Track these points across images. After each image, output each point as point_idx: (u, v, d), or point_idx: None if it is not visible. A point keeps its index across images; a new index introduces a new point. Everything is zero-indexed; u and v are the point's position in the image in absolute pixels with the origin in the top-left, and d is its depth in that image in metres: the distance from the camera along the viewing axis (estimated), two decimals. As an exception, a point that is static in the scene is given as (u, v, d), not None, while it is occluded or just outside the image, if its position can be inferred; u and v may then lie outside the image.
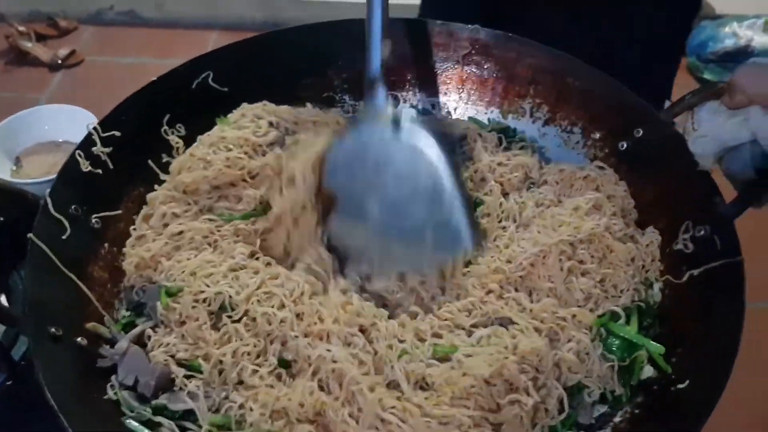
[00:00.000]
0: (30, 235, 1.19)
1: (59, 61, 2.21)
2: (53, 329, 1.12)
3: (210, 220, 1.34)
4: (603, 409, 1.17)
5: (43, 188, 1.49)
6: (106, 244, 1.34)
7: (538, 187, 1.43)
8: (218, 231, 1.33)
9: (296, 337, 1.14)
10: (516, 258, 1.24)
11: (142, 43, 2.88)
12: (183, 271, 1.24)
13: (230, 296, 1.18)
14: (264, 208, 1.35)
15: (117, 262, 1.34)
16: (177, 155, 1.48)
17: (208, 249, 1.29)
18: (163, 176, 1.45)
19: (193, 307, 1.18)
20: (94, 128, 1.38)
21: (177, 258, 1.27)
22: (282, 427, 1.07)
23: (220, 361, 1.14)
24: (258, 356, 1.15)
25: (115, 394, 1.13)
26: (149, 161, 1.46)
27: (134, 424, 1.10)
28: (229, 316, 1.18)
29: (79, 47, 2.26)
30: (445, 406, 1.06)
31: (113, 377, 1.16)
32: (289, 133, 1.45)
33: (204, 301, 1.19)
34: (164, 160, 1.48)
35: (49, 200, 1.25)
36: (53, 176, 1.36)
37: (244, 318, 1.18)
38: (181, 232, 1.32)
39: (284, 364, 1.15)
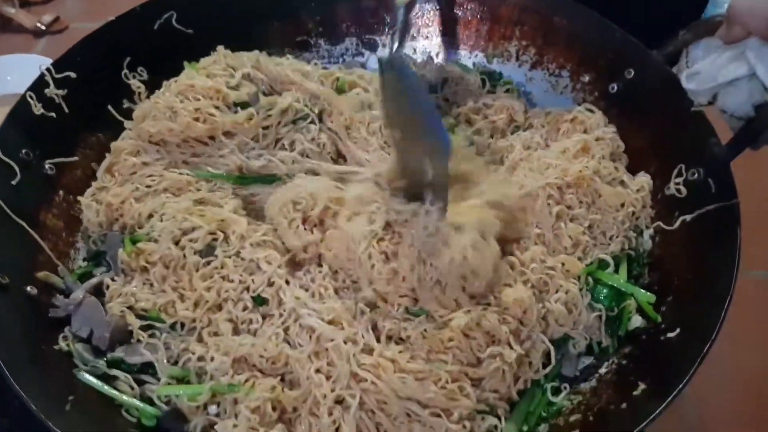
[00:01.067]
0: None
1: (43, 28, 2.11)
2: (-1, 277, 1.05)
3: (187, 174, 1.25)
4: (588, 360, 1.11)
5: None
6: (61, 192, 1.26)
7: (524, 131, 1.35)
8: (196, 183, 1.24)
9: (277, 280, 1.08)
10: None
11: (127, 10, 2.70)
12: (160, 213, 1.16)
13: (226, 235, 1.12)
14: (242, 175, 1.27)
15: (73, 210, 1.26)
16: (140, 101, 1.39)
17: (190, 196, 1.21)
18: (126, 123, 1.35)
19: (174, 247, 1.11)
20: (47, 69, 1.29)
21: (150, 203, 1.19)
22: (243, 382, 1.00)
23: (195, 305, 1.07)
24: (239, 300, 1.08)
25: (68, 345, 1.06)
26: (109, 106, 1.36)
27: (87, 377, 1.03)
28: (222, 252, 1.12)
29: (64, 13, 2.16)
30: (420, 360, 1.00)
31: (66, 328, 1.09)
32: (265, 93, 1.35)
33: (192, 240, 1.11)
34: (125, 105, 1.38)
35: (-6, 143, 1.16)
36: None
37: (233, 257, 1.11)
38: (151, 177, 1.24)
39: (260, 300, 1.08)
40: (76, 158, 1.30)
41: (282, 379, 1.02)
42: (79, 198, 1.26)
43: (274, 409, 0.98)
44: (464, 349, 1.02)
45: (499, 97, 1.40)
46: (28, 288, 1.09)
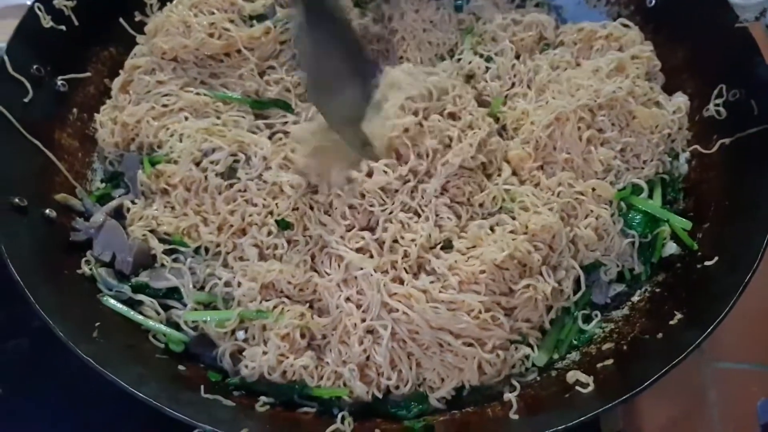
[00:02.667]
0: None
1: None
2: (16, 199, 1.01)
3: (204, 95, 1.19)
4: (620, 288, 1.09)
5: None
6: (74, 110, 1.21)
7: (554, 48, 1.29)
8: (214, 104, 1.19)
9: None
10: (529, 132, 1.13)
11: None
12: (179, 133, 1.12)
13: (247, 156, 1.08)
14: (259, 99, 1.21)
15: (88, 129, 1.22)
16: (152, 13, 1.32)
17: (210, 117, 1.16)
18: (138, 38, 1.29)
19: (195, 168, 1.08)
20: (55, -22, 1.21)
21: (167, 122, 1.15)
22: (271, 308, 0.98)
23: (219, 229, 1.05)
24: (263, 225, 1.05)
25: (91, 270, 1.04)
26: (120, 19, 1.30)
27: (113, 302, 1.01)
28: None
29: None
30: (452, 290, 0.97)
31: (88, 252, 1.06)
32: (282, 5, 1.26)
33: (213, 162, 1.08)
34: (137, 18, 1.31)
35: (6, 58, 1.11)
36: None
37: (256, 180, 1.07)
38: (167, 97, 1.18)
39: (284, 224, 1.04)
40: (88, 74, 1.24)
41: (310, 306, 1.00)
42: (95, 116, 1.22)
43: (302, 336, 0.97)
44: (497, 280, 0.99)
45: (528, 12, 1.33)
46: (47, 211, 1.06)
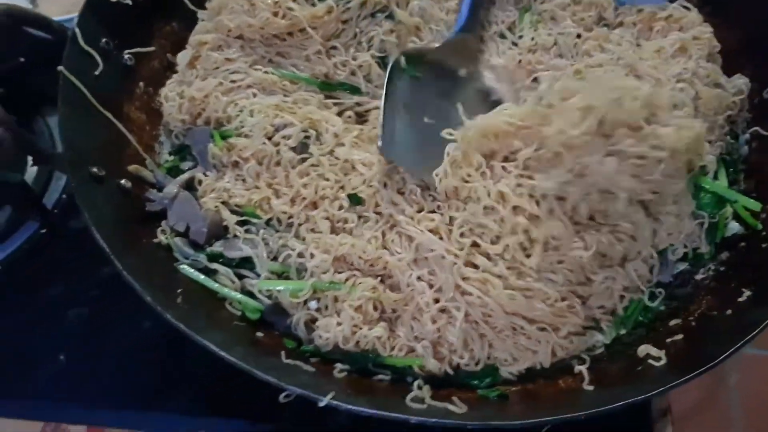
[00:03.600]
0: (60, 67, 1.08)
1: None
2: (95, 169, 1.04)
3: (272, 73, 1.21)
4: (682, 266, 1.09)
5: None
6: (141, 83, 1.23)
7: (613, 29, 1.29)
8: (282, 83, 1.20)
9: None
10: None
11: None
12: (249, 108, 1.14)
13: (318, 133, 1.10)
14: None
15: (154, 103, 1.24)
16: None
17: (277, 95, 1.18)
18: (199, 14, 1.30)
19: (268, 142, 1.10)
20: (118, -49, 1.23)
21: (236, 97, 1.17)
22: (344, 280, 1.01)
23: (292, 201, 1.07)
24: (335, 198, 1.07)
25: (167, 239, 1.06)
26: (182, -7, 1.31)
27: (189, 270, 1.04)
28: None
29: None
30: (529, 278, 0.97)
31: (163, 222, 1.09)
32: None
33: (285, 137, 1.10)
34: (198, -5, 1.33)
35: (78, 31, 1.12)
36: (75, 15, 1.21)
37: (327, 156, 1.10)
38: (236, 74, 1.20)
39: (356, 199, 1.06)
40: (153, 48, 1.26)
41: (381, 281, 1.02)
42: (160, 90, 1.24)
43: (375, 308, 0.99)
44: (575, 270, 1.00)
45: (588, -9, 1.33)
46: (122, 181, 1.09)
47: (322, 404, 0.84)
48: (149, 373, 1.19)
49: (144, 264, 0.98)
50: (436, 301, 0.98)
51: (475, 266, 0.98)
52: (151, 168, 1.15)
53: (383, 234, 1.04)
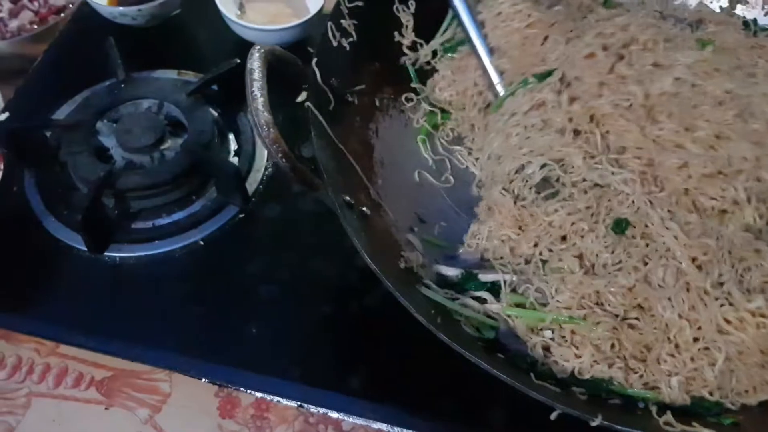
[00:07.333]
0: (308, 104, 1.19)
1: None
2: (347, 197, 1.14)
3: None
4: None
5: (265, 36, 1.56)
6: (357, 118, 1.35)
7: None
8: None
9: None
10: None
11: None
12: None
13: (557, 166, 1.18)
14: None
15: (366, 136, 1.36)
16: (405, 33, 1.48)
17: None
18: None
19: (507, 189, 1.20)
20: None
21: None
22: (583, 317, 1.05)
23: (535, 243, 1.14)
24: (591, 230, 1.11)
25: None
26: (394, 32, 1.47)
27: (432, 293, 1.11)
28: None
29: None
30: None
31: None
32: None
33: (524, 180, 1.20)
34: (395, 38, 1.47)
35: (316, 70, 1.24)
36: (276, 26, 1.50)
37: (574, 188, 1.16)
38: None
39: (620, 227, 1.08)
40: (363, 86, 1.38)
41: (623, 319, 1.05)
42: (369, 124, 1.37)
43: (612, 347, 1.04)
44: None
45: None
46: (363, 209, 1.18)
47: (594, 424, 0.90)
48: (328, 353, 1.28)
49: (399, 284, 1.06)
50: (696, 339, 1.01)
51: (731, 304, 1.02)
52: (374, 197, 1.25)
53: (645, 262, 1.05)
